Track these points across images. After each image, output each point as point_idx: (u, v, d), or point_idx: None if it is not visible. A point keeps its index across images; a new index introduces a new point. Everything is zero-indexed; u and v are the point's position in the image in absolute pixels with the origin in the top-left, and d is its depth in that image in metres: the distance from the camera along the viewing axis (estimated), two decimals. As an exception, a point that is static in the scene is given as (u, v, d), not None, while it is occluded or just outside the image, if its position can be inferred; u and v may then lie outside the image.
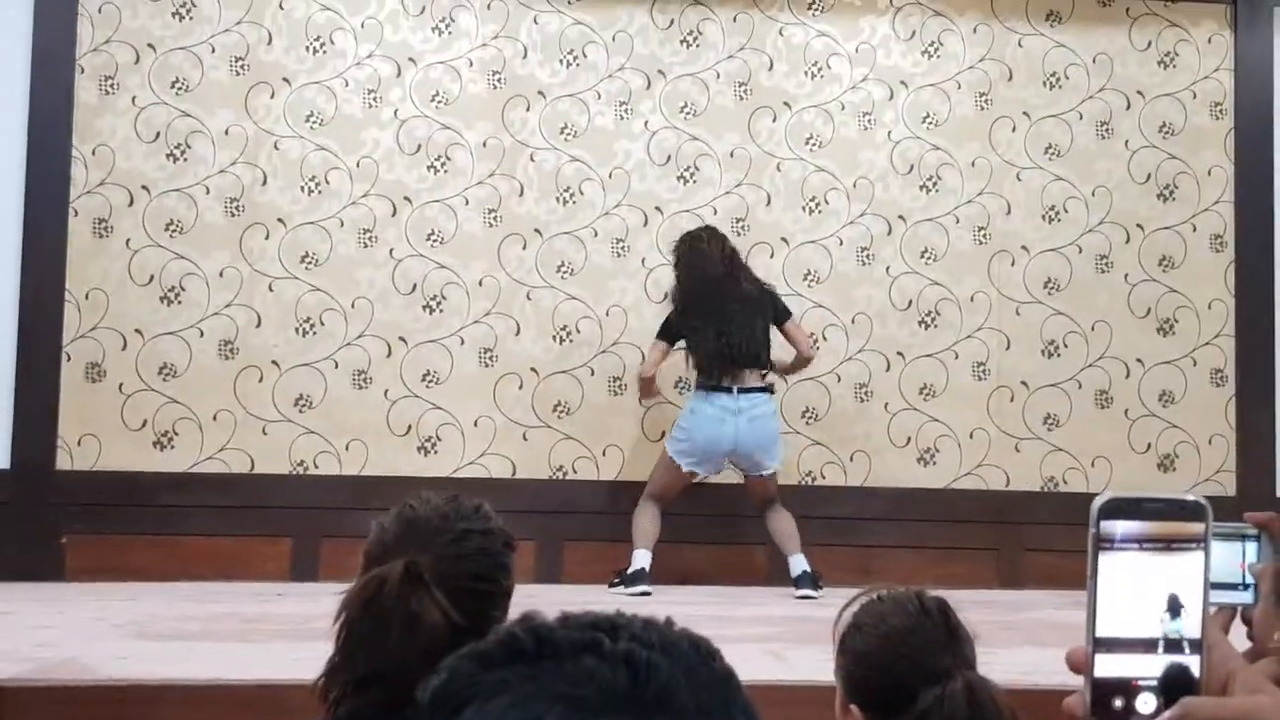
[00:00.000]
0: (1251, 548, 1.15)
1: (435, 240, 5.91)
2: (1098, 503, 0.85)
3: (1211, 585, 0.87)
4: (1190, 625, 0.84)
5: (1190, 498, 0.86)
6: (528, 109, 6.00)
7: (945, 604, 1.79)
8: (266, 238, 5.83)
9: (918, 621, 1.76)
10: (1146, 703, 0.84)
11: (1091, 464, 6.09)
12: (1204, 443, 6.14)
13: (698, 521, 5.61)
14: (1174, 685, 0.85)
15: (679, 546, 5.58)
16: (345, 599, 1.68)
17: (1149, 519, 0.84)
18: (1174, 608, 0.84)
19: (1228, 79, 6.27)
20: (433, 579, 1.65)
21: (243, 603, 4.89)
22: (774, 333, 5.50)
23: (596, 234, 5.94)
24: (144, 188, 5.79)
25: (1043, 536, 5.68)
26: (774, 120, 6.09)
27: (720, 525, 5.73)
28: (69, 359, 5.70)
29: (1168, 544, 0.85)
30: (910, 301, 6.10)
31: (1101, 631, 0.85)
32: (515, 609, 1.80)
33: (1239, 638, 1.15)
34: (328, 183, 5.88)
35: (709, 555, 5.79)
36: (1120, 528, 0.84)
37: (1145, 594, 0.84)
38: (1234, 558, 1.14)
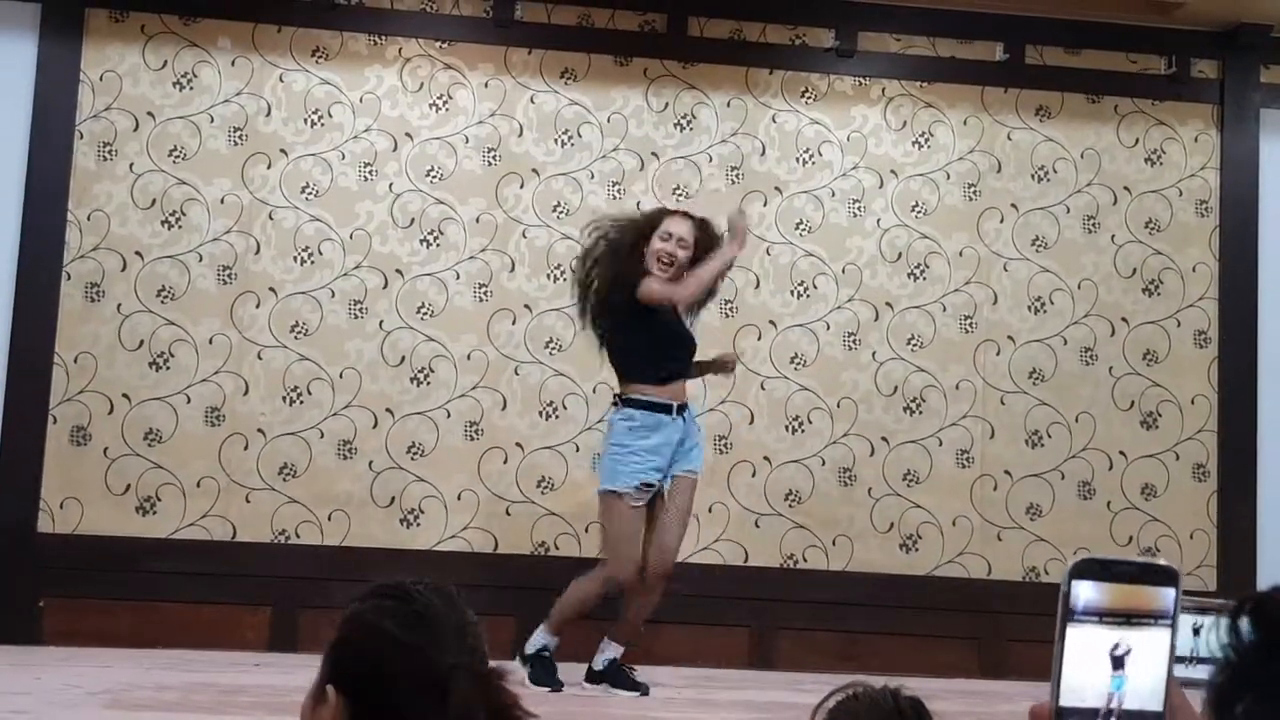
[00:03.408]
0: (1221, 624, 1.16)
1: (425, 313, 5.94)
2: (1071, 563, 0.87)
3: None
4: (1139, 687, 0.85)
5: (1162, 562, 0.88)
6: (521, 186, 6.05)
7: (920, 704, 1.79)
8: (257, 306, 5.86)
9: None
10: None
11: (1073, 555, 6.08)
12: (1185, 537, 6.15)
13: (678, 601, 5.57)
14: None
15: (658, 626, 5.56)
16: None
17: (1119, 581, 0.86)
18: (1117, 662, 0.86)
19: (1213, 177, 6.36)
20: (474, 678, 1.59)
21: (220, 673, 4.86)
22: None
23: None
24: (137, 253, 5.82)
25: (1024, 626, 5.66)
26: (765, 204, 6.16)
27: (700, 605, 5.71)
28: (55, 421, 5.70)
29: (1128, 618, 0.86)
30: (896, 387, 6.13)
31: (1065, 701, 0.86)
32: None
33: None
34: (320, 253, 5.92)
35: (689, 635, 5.77)
36: (1084, 598, 0.86)
37: (1105, 668, 0.86)
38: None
